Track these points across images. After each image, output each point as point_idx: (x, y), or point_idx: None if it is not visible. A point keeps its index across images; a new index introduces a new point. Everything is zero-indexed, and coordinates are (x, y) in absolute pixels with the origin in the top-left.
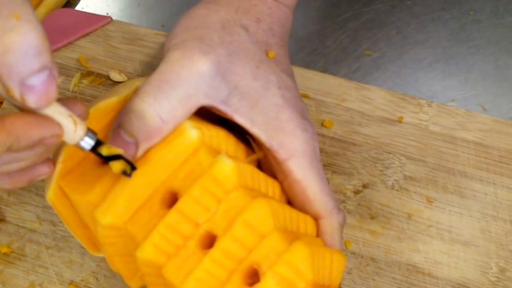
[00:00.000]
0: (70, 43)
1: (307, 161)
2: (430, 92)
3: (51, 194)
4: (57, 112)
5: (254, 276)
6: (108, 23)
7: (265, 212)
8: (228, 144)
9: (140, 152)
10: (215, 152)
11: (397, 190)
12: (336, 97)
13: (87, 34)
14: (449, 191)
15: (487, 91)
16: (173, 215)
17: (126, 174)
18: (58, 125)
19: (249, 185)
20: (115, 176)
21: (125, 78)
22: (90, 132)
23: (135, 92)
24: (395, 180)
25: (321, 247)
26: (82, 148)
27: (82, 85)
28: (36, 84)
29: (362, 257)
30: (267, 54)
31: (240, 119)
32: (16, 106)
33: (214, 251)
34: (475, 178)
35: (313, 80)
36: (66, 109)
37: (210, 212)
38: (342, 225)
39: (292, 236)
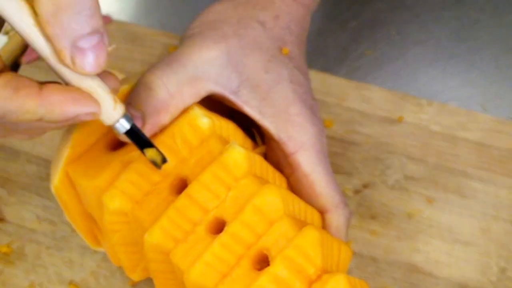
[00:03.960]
0: None
1: (315, 155)
2: (430, 91)
3: (56, 180)
4: (100, 87)
5: (263, 262)
6: (108, 23)
7: (275, 198)
8: (236, 136)
9: (147, 127)
10: (225, 142)
11: (398, 190)
12: (336, 96)
13: None
14: (450, 191)
15: (487, 91)
16: (182, 200)
17: (156, 164)
18: (96, 103)
19: (258, 174)
20: (124, 162)
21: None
22: (127, 114)
23: None
24: (396, 180)
25: (330, 236)
26: (116, 130)
27: None
28: (87, 47)
29: (362, 257)
30: (281, 50)
31: (250, 111)
32: (61, 78)
33: (224, 236)
34: (476, 178)
35: (313, 80)
36: (106, 85)
37: (220, 198)
38: (349, 220)
39: (301, 224)
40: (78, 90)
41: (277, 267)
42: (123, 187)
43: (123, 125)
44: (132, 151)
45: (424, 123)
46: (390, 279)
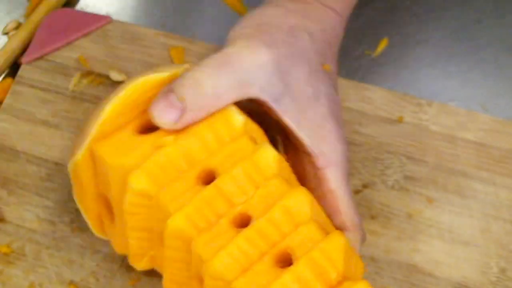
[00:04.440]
0: (70, 43)
1: (342, 173)
2: (430, 92)
3: (80, 156)
4: None
5: (285, 261)
6: (108, 23)
7: (304, 201)
8: (263, 140)
9: (184, 119)
10: (255, 143)
11: (397, 190)
12: None
13: (87, 34)
14: (450, 191)
15: (487, 91)
16: (210, 191)
17: None
18: None
19: (285, 178)
20: (155, 146)
21: (125, 78)
22: None
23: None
24: (395, 180)
25: (351, 247)
26: None
27: (82, 85)
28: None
29: (362, 257)
30: (323, 65)
31: (289, 120)
32: None
33: (249, 230)
34: (476, 178)
35: None
36: None
37: (247, 195)
38: (363, 242)
39: (325, 230)
40: None
41: (300, 267)
42: (151, 170)
43: None
44: (165, 135)
45: (424, 123)
46: (390, 279)
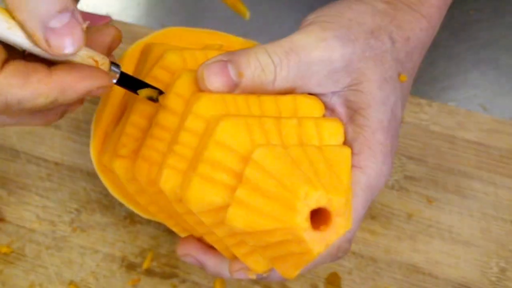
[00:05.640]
0: None
1: (365, 186)
2: (430, 92)
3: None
4: (77, 56)
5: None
6: (108, 22)
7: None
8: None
9: (230, 91)
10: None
11: (397, 190)
12: None
13: None
14: (449, 191)
15: (487, 91)
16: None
17: (153, 99)
18: (104, 76)
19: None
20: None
21: None
22: (113, 66)
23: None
24: (395, 180)
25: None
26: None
27: None
28: (59, 26)
29: (362, 257)
30: (399, 74)
31: (341, 110)
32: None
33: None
34: (475, 178)
35: None
36: (88, 49)
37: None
38: (343, 253)
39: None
40: (85, 67)
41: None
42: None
43: (114, 75)
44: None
45: (424, 123)
46: (390, 279)
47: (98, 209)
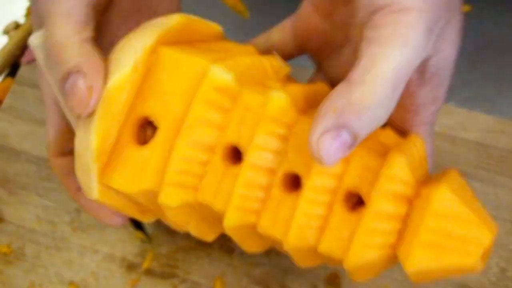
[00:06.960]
0: None
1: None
2: None
3: (96, 194)
4: None
5: (353, 197)
6: None
7: None
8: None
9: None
10: (257, 86)
11: None
12: None
13: None
14: None
15: (487, 91)
16: (246, 172)
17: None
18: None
19: (304, 106)
20: (163, 152)
21: None
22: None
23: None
24: None
25: (410, 142)
26: None
27: None
28: (68, 91)
29: None
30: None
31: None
32: None
33: (306, 192)
34: (475, 178)
35: None
36: None
37: (282, 154)
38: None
39: (374, 148)
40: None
41: (377, 204)
42: (175, 180)
43: None
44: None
45: None
46: (390, 279)
47: None
